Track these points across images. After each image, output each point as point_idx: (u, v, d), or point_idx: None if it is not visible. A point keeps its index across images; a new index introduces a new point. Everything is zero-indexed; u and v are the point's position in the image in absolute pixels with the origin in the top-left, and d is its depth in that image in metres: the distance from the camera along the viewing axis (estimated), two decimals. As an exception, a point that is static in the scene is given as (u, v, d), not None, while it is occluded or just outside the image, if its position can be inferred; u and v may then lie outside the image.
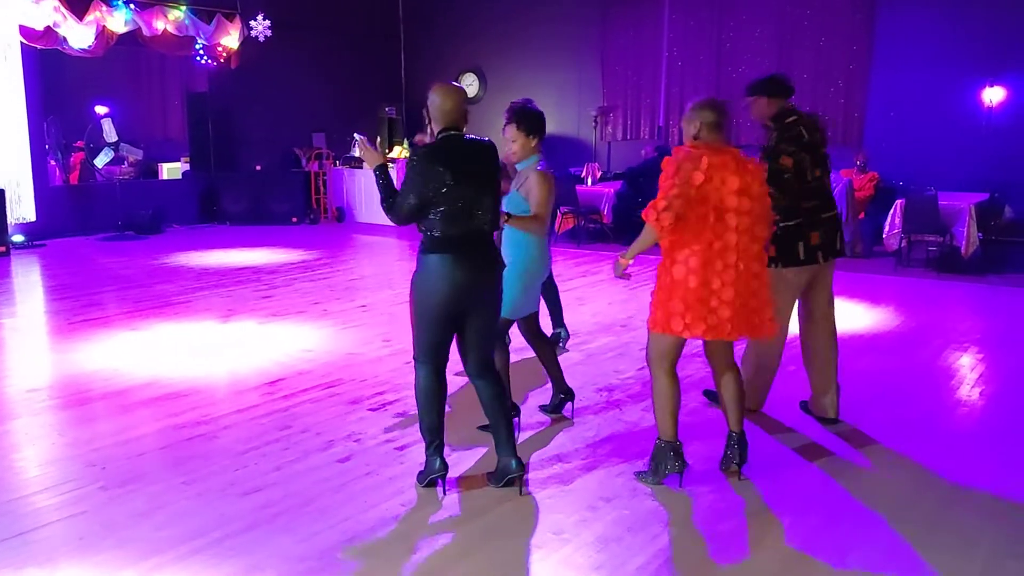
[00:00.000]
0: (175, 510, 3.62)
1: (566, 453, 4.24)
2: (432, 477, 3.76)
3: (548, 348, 4.73)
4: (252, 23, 12.96)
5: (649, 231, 3.66)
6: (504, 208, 4.21)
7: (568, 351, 6.09)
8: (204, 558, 3.22)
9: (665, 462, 3.83)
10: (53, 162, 12.16)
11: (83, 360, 5.90)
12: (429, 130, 3.67)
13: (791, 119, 4.43)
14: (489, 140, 3.75)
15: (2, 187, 10.58)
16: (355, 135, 4.00)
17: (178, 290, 8.28)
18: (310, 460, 4.15)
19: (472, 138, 3.66)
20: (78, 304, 7.69)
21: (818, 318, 4.65)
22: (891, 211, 9.54)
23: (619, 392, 5.18)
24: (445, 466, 3.75)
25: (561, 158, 14.06)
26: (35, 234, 11.12)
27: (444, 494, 3.74)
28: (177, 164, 13.99)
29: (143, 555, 3.24)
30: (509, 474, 3.75)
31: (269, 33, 13.04)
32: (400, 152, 14.18)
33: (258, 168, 13.85)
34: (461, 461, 4.11)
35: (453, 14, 15.04)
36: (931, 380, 5.50)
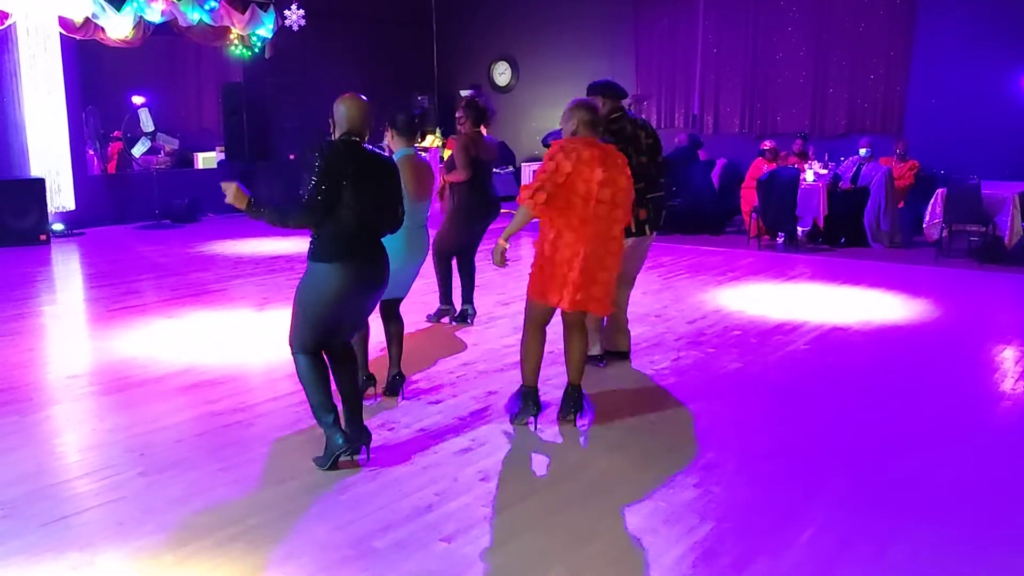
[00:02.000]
0: (212, 496, 3.65)
1: (600, 444, 4.21)
2: (337, 454, 3.83)
3: (397, 331, 4.92)
4: (286, 13, 13.00)
5: (521, 212, 4.13)
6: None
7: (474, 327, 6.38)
8: (241, 545, 3.24)
9: (527, 406, 4.41)
10: (92, 152, 12.31)
11: (122, 347, 5.98)
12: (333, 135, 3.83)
13: (616, 115, 5.23)
14: (388, 154, 4.09)
15: (42, 176, 10.74)
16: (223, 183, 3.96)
17: (214, 278, 8.36)
18: (345, 448, 4.16)
19: (371, 148, 3.84)
20: (116, 292, 7.79)
21: (625, 283, 5.38)
22: (932, 200, 9.37)
23: (654, 383, 5.14)
24: (347, 437, 3.83)
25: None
26: (74, 223, 11.28)
27: (368, 459, 3.91)
28: (212, 153, 14.10)
29: (181, 541, 3.27)
30: (336, 451, 3.84)
31: (303, 23, 13.08)
32: (433, 141, 14.18)
33: (292, 157, 13.92)
34: (491, 454, 4.10)
35: (486, 3, 14.99)
36: (973, 373, 5.40)
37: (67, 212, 11.27)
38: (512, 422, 4.46)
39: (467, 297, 6.59)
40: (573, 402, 4.48)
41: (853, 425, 4.48)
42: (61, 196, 11.21)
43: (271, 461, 4.03)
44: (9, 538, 3.29)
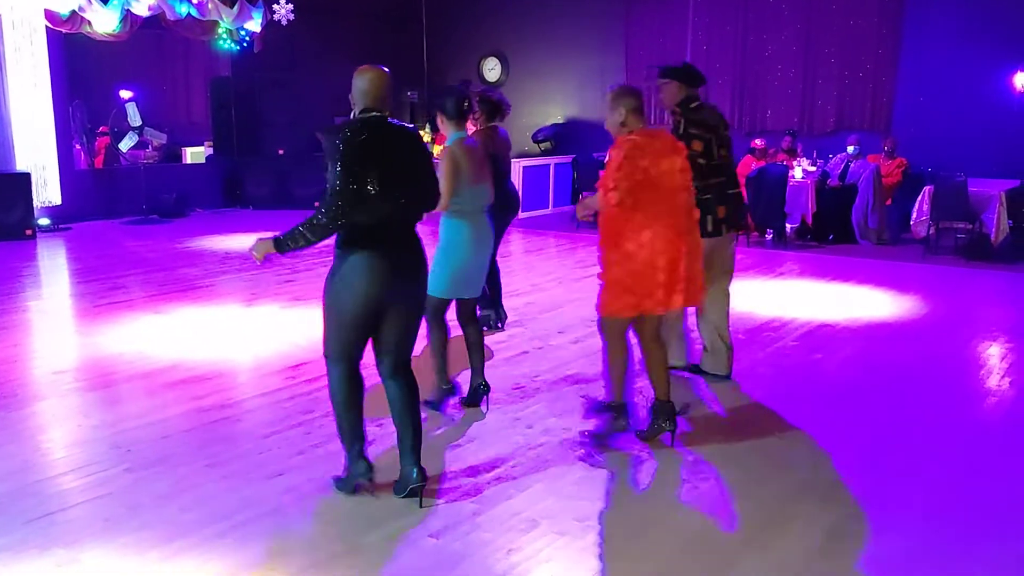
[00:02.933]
0: (199, 493, 3.63)
1: (589, 440, 4.21)
2: (357, 481, 3.54)
3: (478, 336, 4.67)
4: (275, 7, 12.94)
5: (594, 201, 3.99)
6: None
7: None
8: (228, 541, 3.23)
9: (618, 422, 4.17)
10: (78, 146, 12.23)
11: (108, 343, 5.95)
12: (353, 115, 3.43)
13: (695, 104, 4.79)
14: (413, 126, 3.64)
15: (28, 171, 10.66)
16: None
17: (202, 274, 8.33)
18: (333, 444, 4.13)
19: (396, 122, 3.45)
20: (103, 287, 7.75)
21: (720, 294, 5.00)
22: (919, 197, 9.41)
23: (643, 379, 5.13)
24: (370, 467, 3.51)
25: (584, 143, 13.99)
26: (61, 218, 11.20)
27: (375, 496, 3.52)
28: (201, 148, 14.04)
29: (168, 537, 3.25)
30: (410, 484, 3.48)
31: (292, 17, 13.03)
32: (423, 137, 14.15)
33: (281, 152, 13.86)
34: (480, 449, 4.10)
35: (476, -2, 14.97)
36: (960, 370, 5.42)
37: (53, 207, 11.19)
38: (598, 442, 4.13)
39: (494, 301, 6.26)
40: (665, 416, 4.14)
41: (840, 421, 4.49)
42: (47, 191, 11.12)
43: (259, 457, 4.01)
44: (-6, 535, 3.26)
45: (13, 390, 4.96)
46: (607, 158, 3.96)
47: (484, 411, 4.58)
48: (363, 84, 3.37)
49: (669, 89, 4.83)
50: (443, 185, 4.13)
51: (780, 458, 4.03)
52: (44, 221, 10.88)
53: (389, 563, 3.10)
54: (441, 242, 4.41)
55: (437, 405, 4.57)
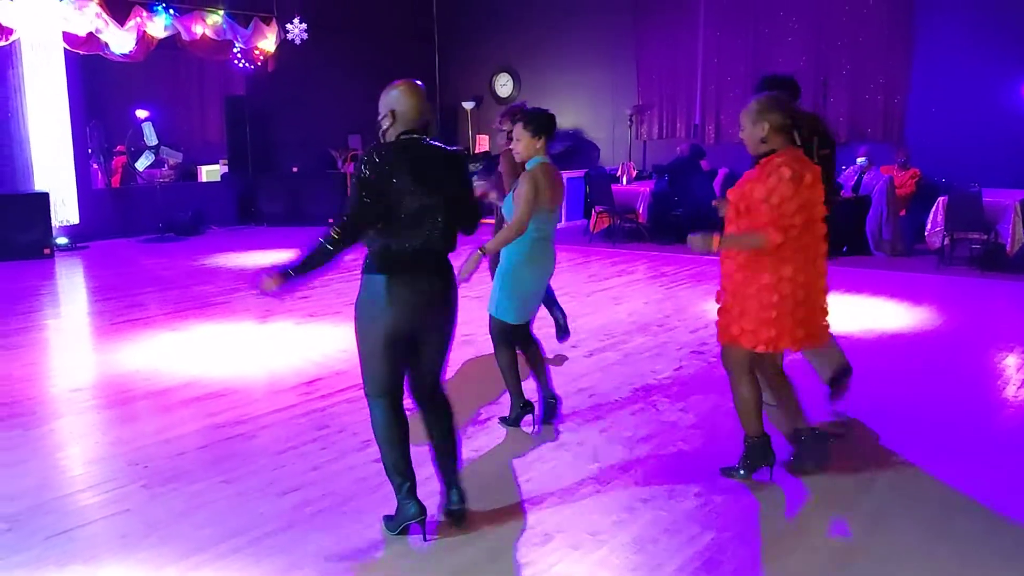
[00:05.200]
0: (215, 509, 3.66)
1: (602, 453, 4.21)
2: (406, 523, 3.34)
3: (538, 352, 4.60)
4: (288, 26, 13.08)
5: (758, 240, 3.53)
6: (503, 210, 4.25)
7: (570, 347, 6.08)
8: (243, 557, 3.25)
9: (756, 458, 3.85)
10: (96, 166, 12.38)
11: (125, 360, 6.00)
12: (382, 134, 3.26)
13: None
14: (458, 148, 3.45)
15: (47, 191, 10.80)
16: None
17: (217, 291, 8.39)
18: (347, 460, 4.18)
19: (435, 144, 3.28)
20: (120, 305, 7.82)
21: None
22: (933, 208, 9.37)
23: (656, 393, 5.14)
24: (422, 509, 3.32)
25: (596, 157, 14.04)
26: (78, 236, 11.33)
27: (425, 540, 3.35)
28: (216, 166, 14.18)
29: (184, 553, 3.28)
30: (450, 506, 3.45)
31: (305, 36, 13.16)
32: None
33: (295, 170, 13.98)
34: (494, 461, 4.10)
35: (487, 15, 15.06)
36: (976, 381, 5.39)
37: (71, 226, 11.32)
38: (729, 474, 3.91)
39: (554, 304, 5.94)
40: (811, 450, 3.93)
41: (856, 433, 4.47)
42: (65, 210, 11.26)
43: (273, 473, 4.03)
44: (12, 551, 3.30)
45: (32, 408, 5.01)
46: (745, 180, 3.64)
47: (557, 428, 4.55)
48: (399, 107, 3.21)
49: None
50: (520, 210, 4.11)
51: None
52: (62, 240, 11.00)
53: (403, 578, 3.11)
54: (506, 265, 4.31)
55: (515, 422, 4.55)
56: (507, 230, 4.19)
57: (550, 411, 4.58)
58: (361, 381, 3.36)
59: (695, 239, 3.66)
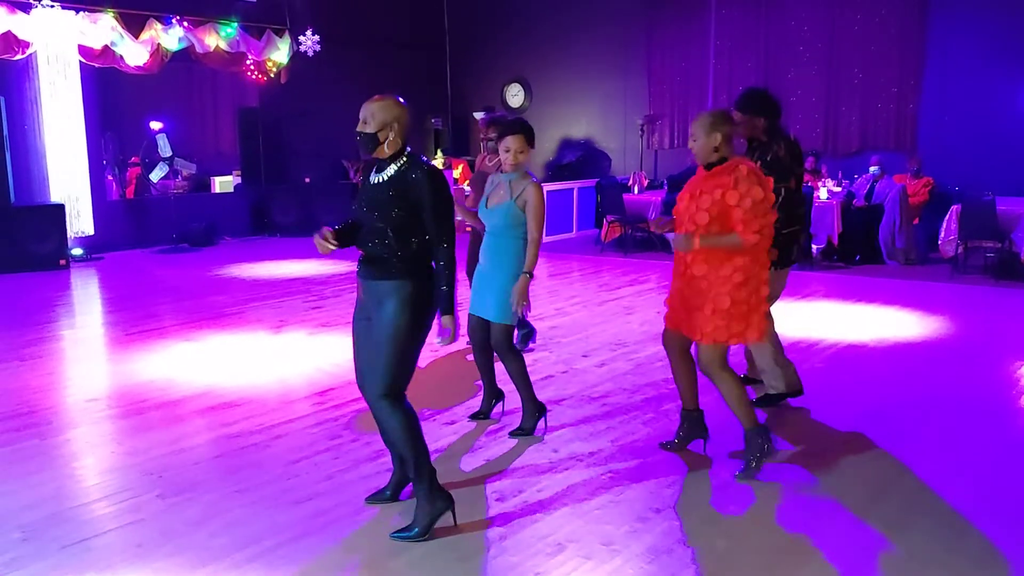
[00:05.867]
0: (230, 518, 3.68)
1: (615, 463, 4.22)
2: (440, 515, 3.46)
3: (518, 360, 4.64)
4: (301, 38, 13.17)
5: (735, 241, 3.82)
6: (500, 218, 4.35)
7: (583, 357, 6.08)
8: (258, 566, 3.26)
9: (757, 449, 3.99)
10: (110, 177, 12.48)
11: (140, 370, 6.04)
12: (379, 146, 3.44)
13: (791, 137, 4.84)
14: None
15: (62, 202, 10.89)
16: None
17: (231, 301, 8.43)
18: (360, 469, 4.19)
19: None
20: (135, 316, 7.87)
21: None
22: (947, 216, 9.35)
23: (668, 402, 5.14)
24: (450, 498, 3.50)
25: (608, 167, 14.05)
26: (93, 247, 11.41)
27: (455, 523, 3.49)
28: (229, 177, 14.26)
29: (199, 562, 3.29)
30: (442, 512, 3.50)
31: (318, 48, 13.24)
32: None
33: (307, 180, 14.05)
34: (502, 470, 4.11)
35: (498, 25, 15.13)
36: (990, 389, 5.36)
37: (86, 237, 11.41)
38: (740, 479, 3.99)
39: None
40: (693, 432, 4.31)
41: (869, 442, 4.45)
42: (80, 221, 11.35)
43: (287, 483, 4.05)
44: (29, 561, 3.32)
45: (47, 418, 5.05)
46: (711, 187, 3.86)
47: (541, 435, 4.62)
48: (402, 120, 3.46)
49: (755, 124, 4.81)
50: (539, 222, 4.34)
51: (806, 478, 4.00)
52: (77, 251, 11.08)
53: (417, 587, 3.12)
54: (513, 271, 4.37)
55: (531, 430, 4.59)
56: (533, 244, 4.36)
57: (496, 405, 4.84)
58: (382, 386, 3.35)
59: (679, 239, 3.90)
